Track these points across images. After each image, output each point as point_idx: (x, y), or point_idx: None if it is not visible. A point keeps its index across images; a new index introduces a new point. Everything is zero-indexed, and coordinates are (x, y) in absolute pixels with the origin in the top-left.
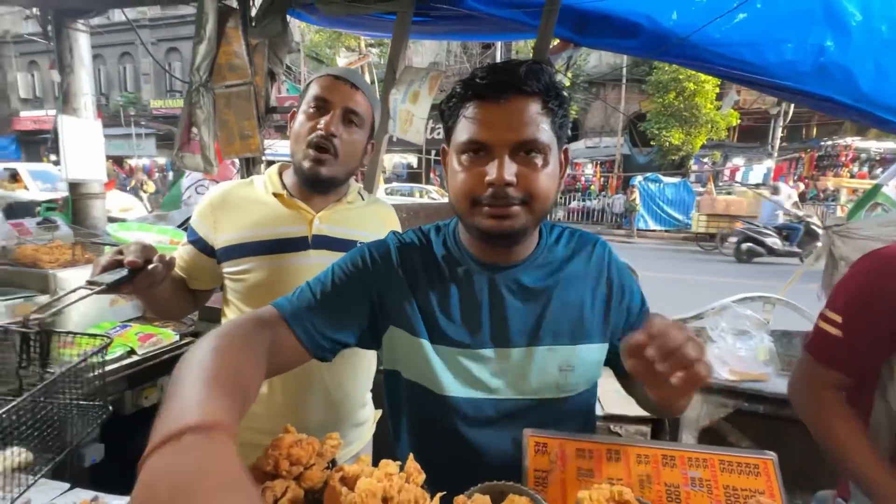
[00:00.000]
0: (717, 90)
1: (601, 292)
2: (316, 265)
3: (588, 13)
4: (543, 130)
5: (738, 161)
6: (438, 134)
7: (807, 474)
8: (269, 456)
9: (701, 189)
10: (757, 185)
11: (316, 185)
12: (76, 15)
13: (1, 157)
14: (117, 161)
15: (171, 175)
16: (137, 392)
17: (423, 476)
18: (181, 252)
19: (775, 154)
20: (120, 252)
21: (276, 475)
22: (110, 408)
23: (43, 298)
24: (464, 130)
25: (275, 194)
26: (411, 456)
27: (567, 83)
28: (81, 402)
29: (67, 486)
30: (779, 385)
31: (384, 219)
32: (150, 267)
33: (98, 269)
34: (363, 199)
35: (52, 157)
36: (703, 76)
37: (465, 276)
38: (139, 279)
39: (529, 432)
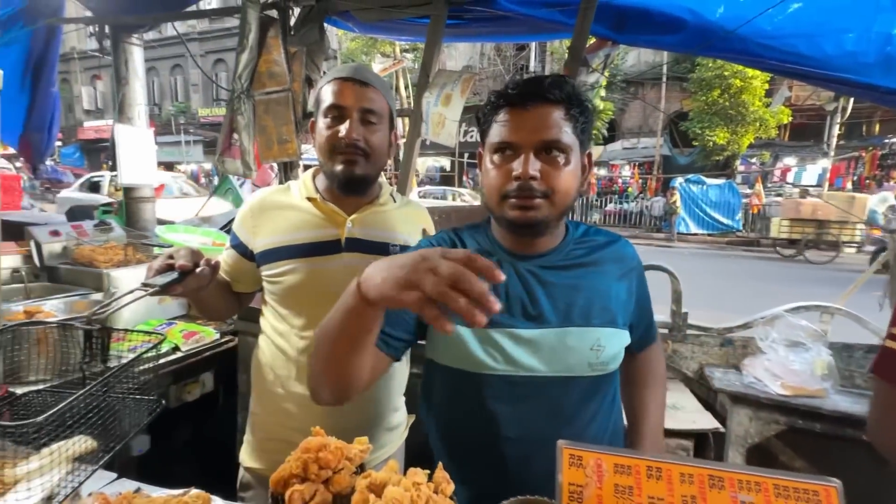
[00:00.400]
0: (767, 86)
1: (628, 285)
2: (348, 268)
3: (627, 9)
4: (566, 133)
5: (789, 161)
6: (471, 137)
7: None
8: (298, 459)
9: (748, 191)
10: (829, 187)
11: (351, 186)
12: (131, 30)
13: (67, 164)
14: (168, 167)
15: (215, 179)
16: (180, 387)
17: (452, 486)
18: (224, 256)
19: (831, 153)
20: (170, 257)
21: (305, 478)
22: (163, 401)
23: (97, 296)
24: (495, 134)
25: (308, 198)
26: (440, 465)
27: (603, 83)
28: (136, 396)
29: (114, 475)
30: (838, 402)
31: (417, 220)
32: (199, 270)
33: (151, 272)
34: (395, 202)
35: (110, 164)
36: (750, 72)
37: (496, 263)
38: (188, 281)
39: (563, 444)
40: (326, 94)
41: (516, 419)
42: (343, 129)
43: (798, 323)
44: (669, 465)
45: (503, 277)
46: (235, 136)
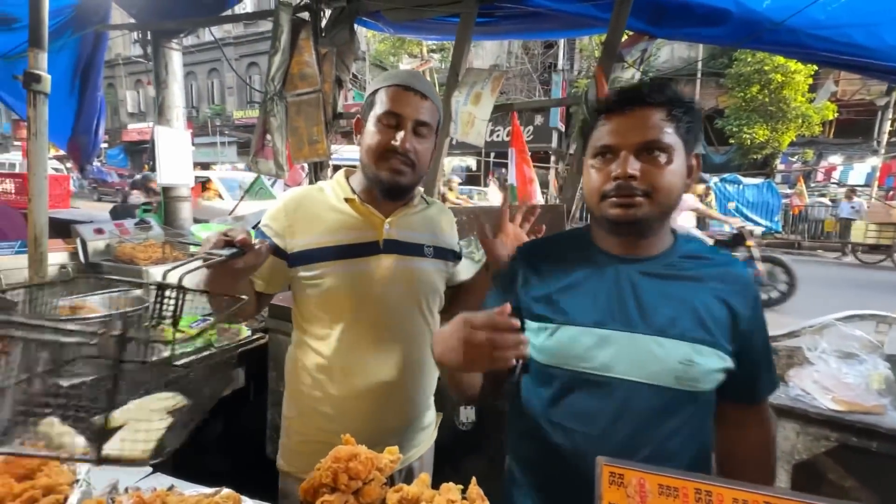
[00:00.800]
0: (810, 81)
1: (734, 309)
2: (386, 269)
3: (666, 1)
4: (667, 133)
5: (834, 159)
6: (497, 136)
7: None
8: (328, 468)
9: (789, 191)
10: (878, 187)
11: (393, 193)
12: (171, 35)
13: (111, 165)
14: (204, 167)
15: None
16: None
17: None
18: None
19: (882, 150)
20: (225, 234)
21: (335, 488)
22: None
23: (137, 292)
24: (596, 138)
25: (346, 200)
26: (474, 480)
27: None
28: (213, 363)
29: (150, 470)
30: None
31: (445, 220)
32: (257, 246)
33: (208, 245)
34: (426, 203)
35: (151, 164)
36: (793, 66)
37: (593, 266)
38: (248, 257)
39: (603, 460)
40: (384, 99)
41: (595, 417)
42: (399, 137)
43: (851, 333)
44: (721, 489)
45: (509, 308)
46: (268, 137)
